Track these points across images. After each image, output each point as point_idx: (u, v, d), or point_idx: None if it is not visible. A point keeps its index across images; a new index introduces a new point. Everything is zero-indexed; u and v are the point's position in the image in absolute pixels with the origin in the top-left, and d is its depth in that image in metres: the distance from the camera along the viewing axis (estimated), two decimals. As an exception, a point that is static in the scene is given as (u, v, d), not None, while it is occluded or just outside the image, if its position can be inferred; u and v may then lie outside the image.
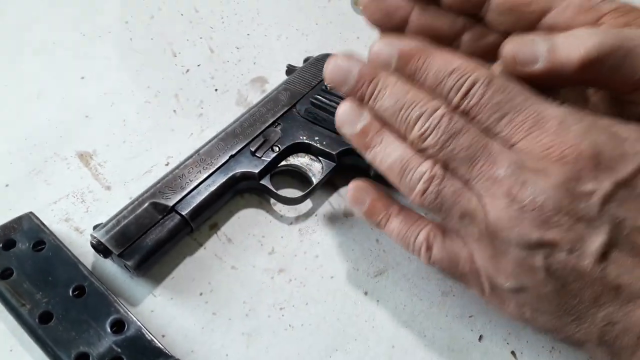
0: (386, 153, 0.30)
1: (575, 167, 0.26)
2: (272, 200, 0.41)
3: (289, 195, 0.40)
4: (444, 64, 0.28)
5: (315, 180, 0.40)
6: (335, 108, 0.41)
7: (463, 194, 0.28)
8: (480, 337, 0.36)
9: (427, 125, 0.29)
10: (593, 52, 0.27)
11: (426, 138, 0.29)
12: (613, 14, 0.29)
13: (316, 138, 0.41)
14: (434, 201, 0.29)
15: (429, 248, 0.31)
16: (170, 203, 0.36)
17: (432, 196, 0.29)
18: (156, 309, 0.35)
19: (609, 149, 0.26)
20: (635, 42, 0.27)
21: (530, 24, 0.30)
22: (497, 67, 0.30)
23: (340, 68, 0.31)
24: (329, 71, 0.31)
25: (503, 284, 0.28)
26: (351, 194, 0.34)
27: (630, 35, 0.27)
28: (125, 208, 0.36)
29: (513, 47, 0.29)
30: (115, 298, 0.34)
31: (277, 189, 0.40)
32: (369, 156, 0.31)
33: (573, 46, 0.27)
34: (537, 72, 0.28)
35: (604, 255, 0.26)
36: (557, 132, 0.26)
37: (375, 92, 0.30)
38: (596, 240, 0.26)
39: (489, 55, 0.31)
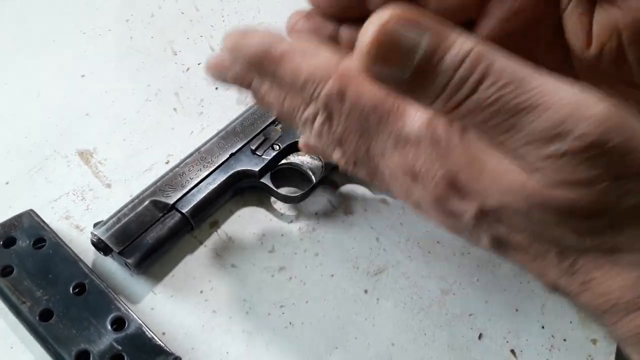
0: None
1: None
2: (273, 199, 0.41)
3: (289, 194, 0.40)
4: (292, 76, 0.24)
5: (315, 179, 0.40)
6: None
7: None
8: (480, 336, 0.36)
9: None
10: None
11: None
12: None
13: (316, 137, 0.41)
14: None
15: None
16: (171, 201, 0.37)
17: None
18: (156, 306, 0.35)
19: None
20: None
21: None
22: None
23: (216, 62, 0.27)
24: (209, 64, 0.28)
25: None
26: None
27: None
28: (126, 206, 0.36)
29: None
30: (116, 296, 0.34)
31: (277, 187, 0.40)
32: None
33: None
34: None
35: None
36: (416, 153, 0.23)
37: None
38: None
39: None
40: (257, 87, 0.26)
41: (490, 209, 0.22)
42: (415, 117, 0.23)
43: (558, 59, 0.27)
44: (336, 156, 0.26)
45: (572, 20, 0.27)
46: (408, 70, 0.19)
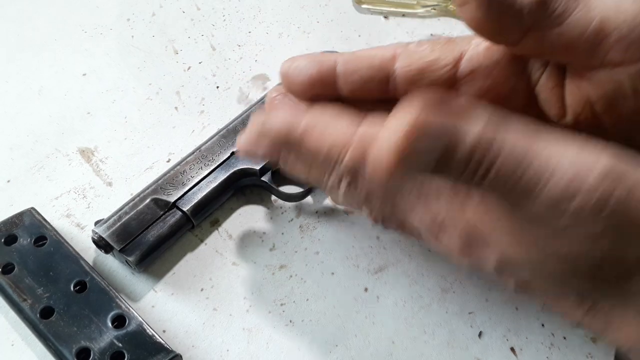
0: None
1: None
2: (273, 197, 0.41)
3: (290, 192, 0.40)
4: (315, 152, 0.26)
5: (316, 178, 0.40)
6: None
7: None
8: (480, 334, 0.36)
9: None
10: None
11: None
12: None
13: (317, 135, 0.41)
14: None
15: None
16: (172, 199, 0.37)
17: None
18: (157, 304, 0.36)
19: None
20: None
21: (449, 80, 0.28)
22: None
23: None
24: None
25: None
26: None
27: None
28: (127, 204, 0.36)
29: None
30: (117, 294, 0.34)
31: (278, 186, 0.40)
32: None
33: None
34: None
35: None
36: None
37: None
38: None
39: None
40: (286, 159, 0.28)
41: (509, 258, 0.24)
42: None
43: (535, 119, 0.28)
44: (365, 214, 0.28)
45: (544, 94, 0.28)
46: (430, 163, 0.21)
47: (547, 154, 0.21)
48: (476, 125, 0.21)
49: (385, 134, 0.21)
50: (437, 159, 0.21)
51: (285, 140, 0.26)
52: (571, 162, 0.20)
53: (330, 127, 0.25)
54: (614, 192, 0.20)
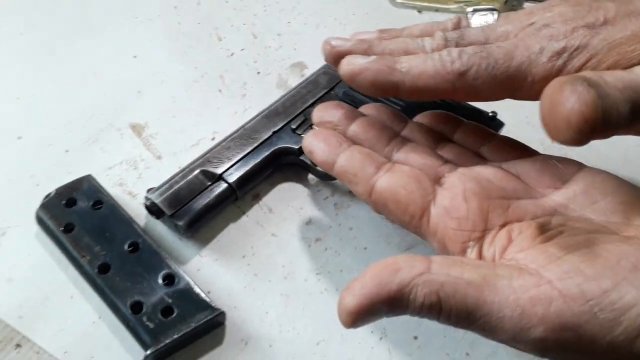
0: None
1: None
2: (310, 176, 0.43)
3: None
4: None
5: (351, 159, 0.43)
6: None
7: None
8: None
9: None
10: None
11: None
12: None
13: (353, 119, 0.43)
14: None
15: None
16: (219, 171, 0.39)
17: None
18: (202, 268, 0.38)
19: None
20: None
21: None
22: None
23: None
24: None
25: None
26: None
27: None
28: (177, 174, 0.39)
29: None
30: (166, 255, 0.37)
31: (315, 165, 0.42)
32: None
33: None
34: None
35: None
36: None
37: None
38: None
39: None
40: None
41: None
42: None
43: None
44: None
45: None
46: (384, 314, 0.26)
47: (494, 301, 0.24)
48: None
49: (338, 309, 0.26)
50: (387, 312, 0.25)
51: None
52: (519, 302, 0.24)
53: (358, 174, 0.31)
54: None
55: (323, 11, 0.56)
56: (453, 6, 0.57)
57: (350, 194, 0.43)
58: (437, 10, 0.57)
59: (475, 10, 0.33)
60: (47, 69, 0.50)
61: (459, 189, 0.30)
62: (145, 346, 0.33)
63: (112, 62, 0.50)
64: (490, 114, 0.42)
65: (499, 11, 0.33)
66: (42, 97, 0.48)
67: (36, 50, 0.51)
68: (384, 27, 0.55)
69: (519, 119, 0.47)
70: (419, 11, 0.57)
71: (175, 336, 0.33)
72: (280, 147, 0.42)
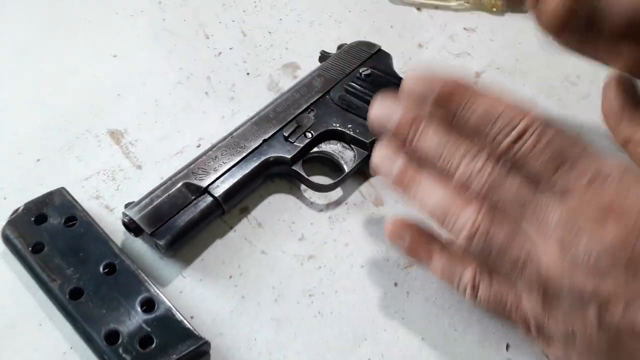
0: (426, 195, 0.30)
1: (637, 225, 0.25)
2: (303, 187, 0.40)
3: (320, 182, 0.39)
4: (489, 106, 0.28)
5: (346, 168, 0.40)
6: (370, 96, 0.41)
7: (513, 240, 0.27)
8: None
9: (470, 169, 0.28)
10: None
11: (471, 182, 0.28)
12: None
13: (349, 126, 0.40)
14: (481, 247, 0.28)
15: (474, 288, 0.30)
16: (204, 184, 0.36)
17: (480, 242, 0.28)
18: (185, 290, 0.35)
19: None
20: None
21: None
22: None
23: (383, 110, 0.31)
24: (374, 113, 0.31)
25: (551, 330, 0.28)
26: (390, 230, 0.33)
27: None
28: (158, 187, 0.36)
29: None
30: (145, 277, 0.34)
31: (308, 176, 0.39)
32: (409, 197, 0.31)
33: None
34: None
35: None
36: (617, 188, 0.26)
37: (417, 135, 0.30)
38: None
39: None
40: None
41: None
42: None
43: None
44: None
45: None
46: None
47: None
48: None
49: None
50: None
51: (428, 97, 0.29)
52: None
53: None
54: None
55: (317, 7, 0.53)
56: (453, 4, 0.54)
57: (346, 205, 0.40)
58: (436, 7, 0.54)
59: None
60: (19, 69, 0.46)
61: None
62: (120, 382, 0.30)
63: (90, 62, 0.47)
64: None
65: None
66: (12, 100, 0.44)
67: (7, 49, 0.48)
68: (382, 25, 0.52)
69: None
70: (418, 8, 0.54)
71: (155, 370, 0.30)
72: (271, 157, 0.39)
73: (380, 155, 0.32)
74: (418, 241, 0.32)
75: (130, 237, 0.36)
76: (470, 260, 0.31)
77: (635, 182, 0.26)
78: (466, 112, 0.28)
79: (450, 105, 0.29)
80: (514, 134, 0.27)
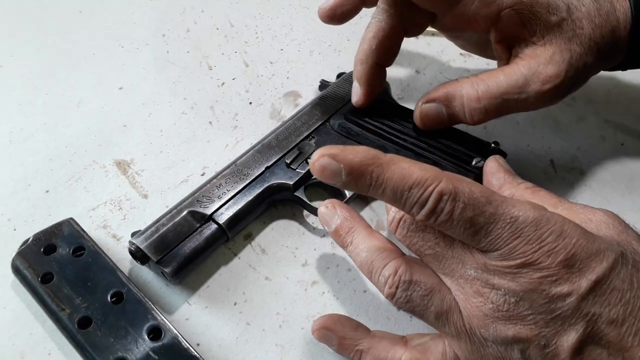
0: (355, 252, 0.32)
1: (551, 271, 0.26)
2: (305, 212, 0.41)
3: (322, 208, 0.40)
4: (401, 177, 0.27)
5: (348, 194, 0.40)
6: (369, 124, 0.42)
7: (434, 295, 0.29)
8: None
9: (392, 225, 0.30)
10: None
11: (395, 231, 0.30)
12: None
13: (350, 152, 0.41)
14: (405, 304, 0.30)
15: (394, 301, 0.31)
16: (208, 212, 0.37)
17: (402, 300, 0.30)
18: (191, 317, 0.36)
19: (582, 250, 0.26)
20: None
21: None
22: None
23: (324, 215, 0.34)
24: (319, 212, 0.34)
25: None
26: (320, 210, 0.35)
27: None
28: (164, 216, 0.37)
29: None
30: (152, 305, 0.34)
31: (310, 201, 0.40)
32: (346, 252, 0.33)
33: None
34: None
35: (578, 350, 0.26)
36: (533, 239, 0.26)
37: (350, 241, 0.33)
38: (571, 337, 0.26)
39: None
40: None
41: None
42: None
43: None
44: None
45: None
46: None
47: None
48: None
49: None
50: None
51: (367, 167, 0.28)
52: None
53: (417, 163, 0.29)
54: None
55: (317, 37, 0.55)
56: (450, 30, 0.56)
57: (348, 231, 0.41)
58: (433, 34, 0.56)
59: None
60: (27, 101, 0.48)
61: None
62: (128, 410, 0.30)
63: (96, 94, 0.48)
64: (492, 145, 0.40)
65: None
66: (21, 133, 0.45)
67: (15, 82, 0.49)
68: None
69: (520, 147, 0.46)
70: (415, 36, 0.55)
71: (162, 398, 0.30)
72: (274, 183, 0.40)
73: (321, 211, 0.34)
74: (345, 342, 0.33)
75: (137, 265, 0.37)
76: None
77: (549, 226, 0.27)
78: (379, 187, 0.28)
79: (360, 181, 0.28)
80: (429, 205, 0.27)
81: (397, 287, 0.29)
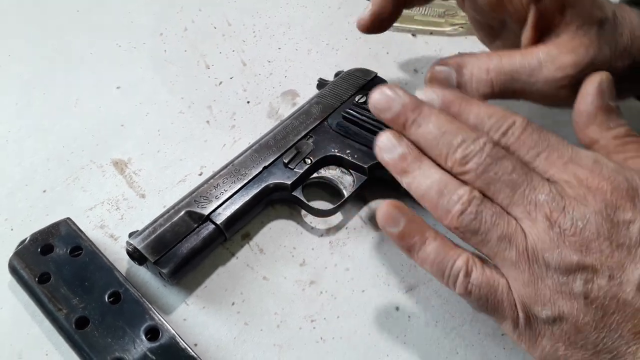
0: (424, 177, 0.31)
1: (614, 197, 0.27)
2: (303, 212, 0.41)
3: (320, 208, 0.40)
4: (484, 110, 0.31)
5: (346, 193, 0.40)
6: (367, 122, 0.42)
7: (502, 216, 0.29)
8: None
9: (470, 149, 0.29)
10: None
11: (468, 162, 0.29)
12: None
13: (348, 151, 0.41)
14: (471, 222, 0.29)
15: (467, 274, 0.30)
16: (206, 212, 0.37)
17: (471, 217, 0.29)
18: (189, 317, 0.36)
19: None
20: None
21: None
22: None
23: (386, 96, 0.32)
24: (375, 98, 0.32)
25: (540, 312, 0.28)
26: (384, 213, 0.32)
27: None
28: (161, 216, 0.37)
29: None
30: (150, 305, 0.34)
31: (308, 201, 0.40)
32: (405, 181, 0.32)
33: None
34: None
35: None
36: (592, 167, 0.28)
37: (419, 119, 0.31)
38: (638, 269, 0.25)
39: None
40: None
41: None
42: None
43: None
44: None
45: None
46: None
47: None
48: None
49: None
50: None
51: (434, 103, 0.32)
52: None
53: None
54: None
55: (315, 36, 0.54)
56: (448, 29, 0.56)
57: (346, 230, 0.41)
58: (431, 33, 0.55)
59: None
60: (24, 101, 0.47)
61: None
62: (125, 411, 0.30)
63: (94, 94, 0.48)
64: None
65: None
66: (18, 132, 0.45)
67: (12, 82, 0.49)
68: (378, 51, 0.54)
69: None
70: (413, 35, 0.55)
71: (159, 399, 0.30)
72: (271, 183, 0.39)
73: (385, 136, 0.32)
74: (412, 226, 0.31)
75: (135, 265, 0.37)
76: (462, 249, 0.31)
77: (608, 163, 0.28)
78: (464, 114, 0.31)
79: (451, 109, 0.32)
80: (503, 128, 0.30)
81: (469, 203, 0.29)
